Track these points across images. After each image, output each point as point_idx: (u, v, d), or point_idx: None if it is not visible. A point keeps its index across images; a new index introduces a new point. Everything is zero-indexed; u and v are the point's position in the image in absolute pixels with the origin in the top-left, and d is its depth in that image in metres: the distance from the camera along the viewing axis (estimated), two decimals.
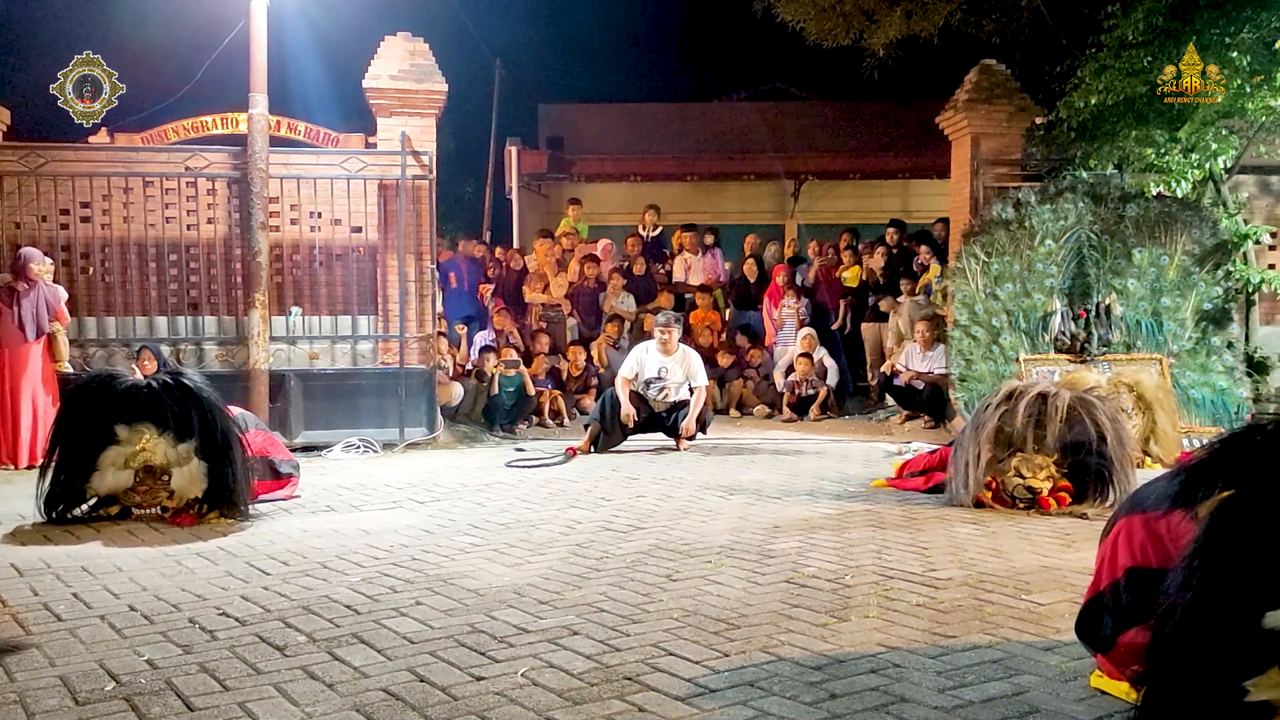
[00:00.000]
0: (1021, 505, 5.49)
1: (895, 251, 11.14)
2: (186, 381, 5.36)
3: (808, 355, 10.54)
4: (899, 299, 10.63)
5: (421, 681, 2.92)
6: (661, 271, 11.99)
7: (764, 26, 11.74)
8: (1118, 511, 2.93)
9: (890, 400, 10.38)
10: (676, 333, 8.45)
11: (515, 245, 15.18)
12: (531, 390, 9.64)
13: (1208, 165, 8.67)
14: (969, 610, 3.60)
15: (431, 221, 8.84)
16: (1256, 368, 8.87)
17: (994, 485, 5.57)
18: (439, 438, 8.65)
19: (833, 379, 10.65)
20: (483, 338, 10.54)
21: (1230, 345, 8.46)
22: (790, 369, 10.64)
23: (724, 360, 10.94)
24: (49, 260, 7.81)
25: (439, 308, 9.56)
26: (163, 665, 3.07)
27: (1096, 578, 2.85)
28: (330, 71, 14.84)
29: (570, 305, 11.32)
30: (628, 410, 8.16)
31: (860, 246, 11.56)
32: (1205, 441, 2.41)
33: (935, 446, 7.14)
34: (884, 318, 10.87)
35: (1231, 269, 8.57)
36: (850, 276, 11.35)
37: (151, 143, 8.60)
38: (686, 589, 3.89)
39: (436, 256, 9.44)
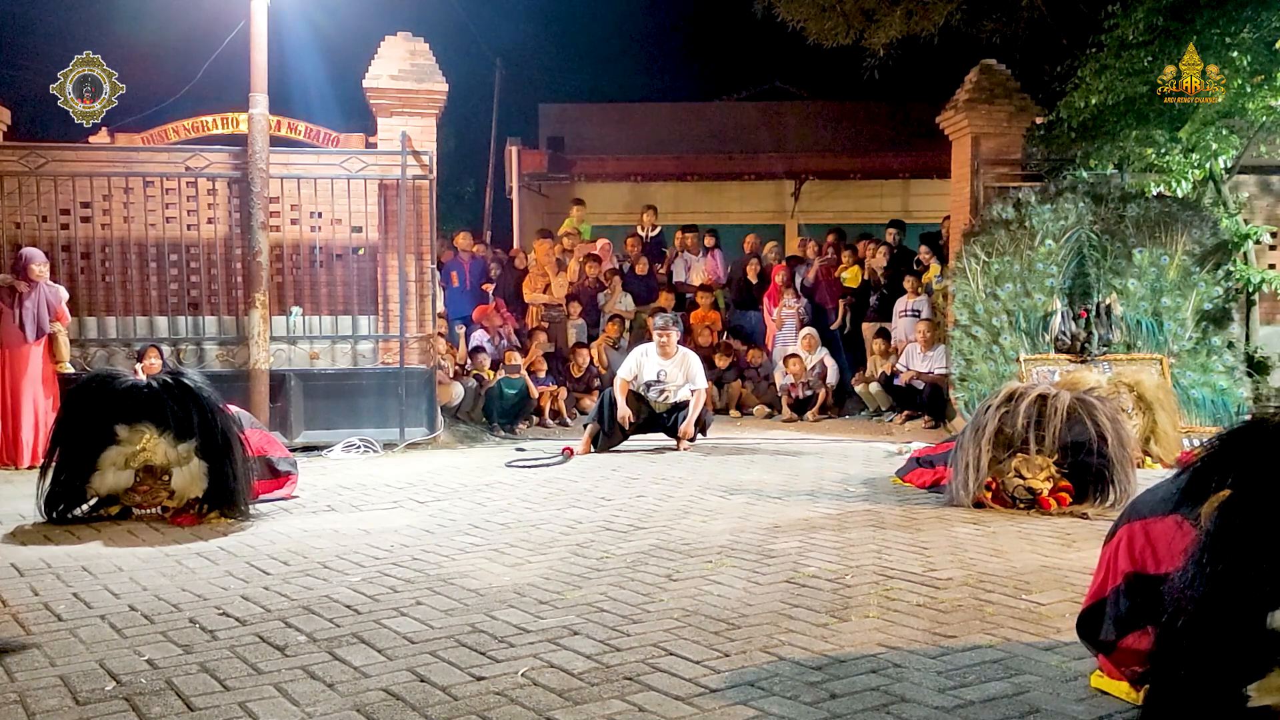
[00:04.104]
0: (1021, 505, 5.49)
1: (896, 252, 11.13)
2: (186, 381, 5.36)
3: (797, 355, 10.51)
4: (896, 312, 10.65)
5: (422, 681, 2.92)
6: (661, 272, 11.99)
7: (764, 26, 11.78)
8: (1120, 518, 2.93)
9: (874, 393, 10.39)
10: (675, 335, 8.45)
11: (516, 244, 15.18)
12: (534, 392, 9.64)
13: (1208, 165, 8.68)
14: (969, 610, 3.60)
15: (432, 221, 8.84)
16: (1257, 368, 8.88)
17: (994, 485, 5.56)
18: (439, 438, 8.65)
19: (833, 379, 10.64)
20: (478, 338, 10.54)
21: (1230, 345, 8.47)
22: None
23: (721, 361, 10.93)
24: (47, 260, 7.81)
25: (439, 308, 9.56)
26: (163, 665, 3.07)
27: (1099, 584, 2.85)
28: (330, 71, 14.85)
29: (577, 305, 11.30)
30: (624, 412, 8.16)
31: (870, 246, 11.49)
32: (1206, 440, 2.38)
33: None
34: (885, 317, 10.86)
35: (1232, 269, 8.58)
36: (850, 276, 11.35)
37: (152, 143, 8.60)
38: (687, 589, 3.89)
39: (438, 257, 9.44)
